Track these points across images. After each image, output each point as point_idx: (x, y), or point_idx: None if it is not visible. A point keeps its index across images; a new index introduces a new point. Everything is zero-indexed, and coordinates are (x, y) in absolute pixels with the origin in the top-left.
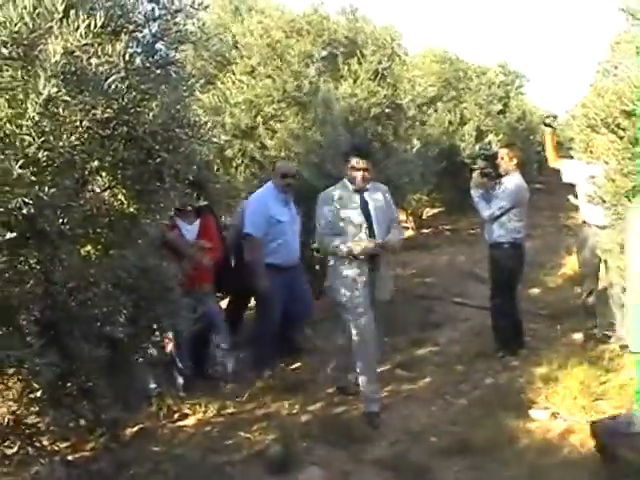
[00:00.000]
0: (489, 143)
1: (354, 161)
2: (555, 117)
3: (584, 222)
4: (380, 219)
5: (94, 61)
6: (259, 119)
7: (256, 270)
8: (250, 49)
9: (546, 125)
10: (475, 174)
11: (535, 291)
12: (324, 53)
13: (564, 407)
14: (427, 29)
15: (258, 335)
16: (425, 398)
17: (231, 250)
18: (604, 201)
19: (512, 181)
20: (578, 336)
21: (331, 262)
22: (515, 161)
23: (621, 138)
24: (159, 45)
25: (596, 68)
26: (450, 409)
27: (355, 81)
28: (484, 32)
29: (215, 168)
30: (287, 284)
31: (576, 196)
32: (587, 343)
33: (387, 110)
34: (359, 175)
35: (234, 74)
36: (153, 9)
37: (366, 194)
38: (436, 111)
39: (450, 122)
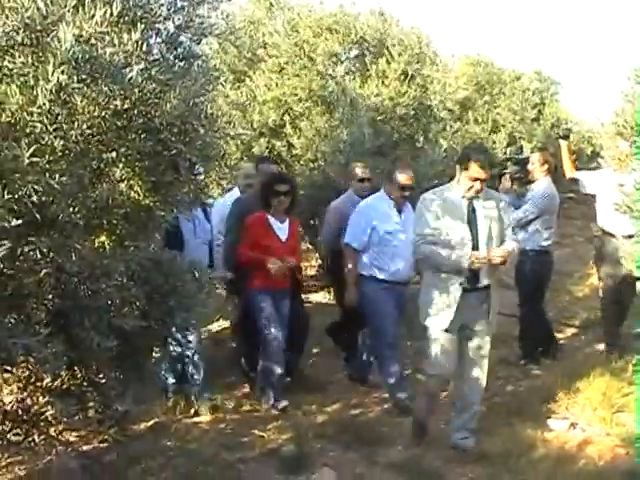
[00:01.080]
0: (520, 148)
1: (475, 169)
2: (570, 130)
3: (604, 232)
4: (490, 232)
5: (109, 50)
6: (286, 117)
7: (347, 282)
8: (278, 47)
9: (562, 137)
10: (504, 178)
11: (562, 300)
12: (353, 53)
13: (584, 418)
14: (461, 35)
15: (376, 357)
16: (443, 403)
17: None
18: (632, 210)
19: (541, 187)
20: (602, 347)
21: (427, 278)
22: (546, 167)
23: None
24: (182, 37)
25: (627, 74)
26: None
27: (383, 81)
28: (518, 38)
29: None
30: (396, 301)
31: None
32: (611, 354)
33: (415, 111)
34: (476, 185)
35: (263, 72)
36: (175, 1)
37: (476, 202)
38: (468, 122)
39: (482, 130)
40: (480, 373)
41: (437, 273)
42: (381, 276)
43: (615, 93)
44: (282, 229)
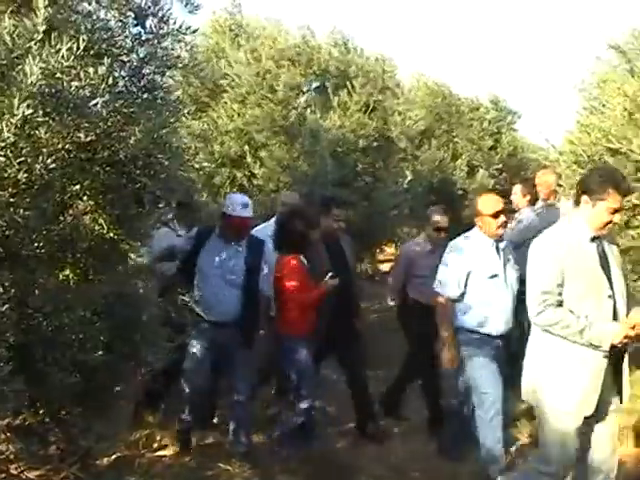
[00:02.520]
0: (505, 179)
1: (617, 198)
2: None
3: None
4: (620, 284)
5: (75, 84)
6: (248, 148)
7: (444, 340)
8: (241, 77)
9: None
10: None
11: None
12: (315, 84)
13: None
14: (419, 55)
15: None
16: (405, 432)
17: None
18: None
19: (524, 217)
20: None
21: (549, 341)
22: (529, 197)
23: None
24: (146, 70)
25: (583, 105)
26: (432, 444)
27: (345, 113)
28: (477, 62)
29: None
30: (495, 358)
31: None
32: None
33: (376, 143)
34: (615, 218)
35: (225, 102)
36: (140, 33)
37: (605, 244)
38: (430, 147)
39: (442, 157)
40: (611, 455)
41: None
42: (483, 330)
43: (571, 123)
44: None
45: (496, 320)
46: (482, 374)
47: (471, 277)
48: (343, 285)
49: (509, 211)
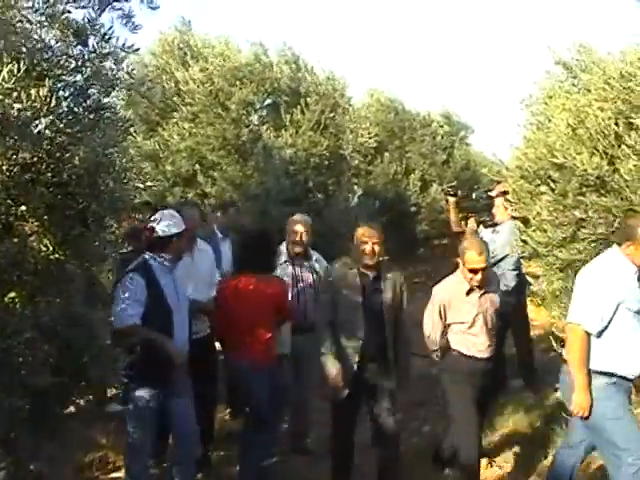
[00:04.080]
0: (486, 191)
1: None
2: (457, 187)
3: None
4: None
5: (17, 106)
6: (199, 167)
7: (578, 382)
8: (192, 96)
9: (450, 195)
10: (470, 221)
11: None
12: (267, 102)
13: (501, 455)
14: (371, 70)
15: None
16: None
17: None
18: (537, 252)
19: (507, 229)
20: (518, 383)
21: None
22: (509, 210)
23: (553, 190)
24: (90, 90)
25: (529, 120)
26: None
27: (297, 131)
28: (430, 76)
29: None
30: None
31: None
32: (526, 390)
33: (328, 161)
34: None
35: (176, 122)
36: (82, 52)
37: None
38: (382, 162)
39: (395, 172)
40: None
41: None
42: (620, 372)
43: (519, 138)
44: None
45: (635, 360)
46: (621, 425)
47: (618, 311)
48: None
49: (491, 224)
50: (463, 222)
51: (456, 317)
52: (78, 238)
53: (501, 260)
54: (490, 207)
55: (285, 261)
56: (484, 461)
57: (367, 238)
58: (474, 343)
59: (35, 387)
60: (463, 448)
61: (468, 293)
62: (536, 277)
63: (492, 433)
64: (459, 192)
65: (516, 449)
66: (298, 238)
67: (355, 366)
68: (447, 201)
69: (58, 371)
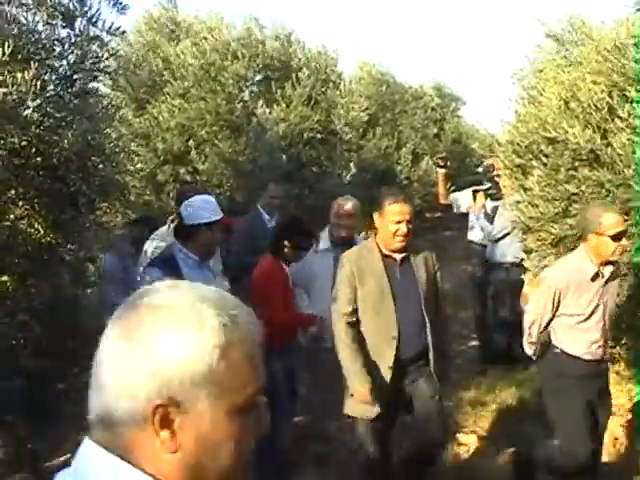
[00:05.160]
0: (492, 165)
1: None
2: (447, 159)
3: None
4: None
5: (2, 90)
6: (191, 143)
7: None
8: (184, 70)
9: (439, 166)
10: (478, 195)
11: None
12: (259, 77)
13: (492, 430)
14: (362, 42)
15: None
16: None
17: None
18: (528, 227)
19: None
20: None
21: None
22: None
23: (544, 165)
24: (77, 74)
25: (520, 94)
26: None
27: (288, 105)
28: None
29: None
30: None
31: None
32: (516, 365)
33: (320, 135)
34: None
35: (166, 98)
36: (69, 35)
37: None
38: (374, 135)
39: (387, 146)
40: None
41: None
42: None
43: (510, 112)
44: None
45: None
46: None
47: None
48: None
49: (497, 197)
50: (472, 197)
51: (570, 307)
52: (69, 221)
53: (507, 235)
54: (495, 180)
55: (326, 248)
56: (475, 437)
57: (401, 216)
58: (584, 340)
59: (29, 369)
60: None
61: (594, 279)
62: (528, 252)
63: (483, 409)
64: (449, 163)
65: (507, 425)
66: (343, 222)
67: (389, 373)
68: (436, 172)
69: (49, 354)
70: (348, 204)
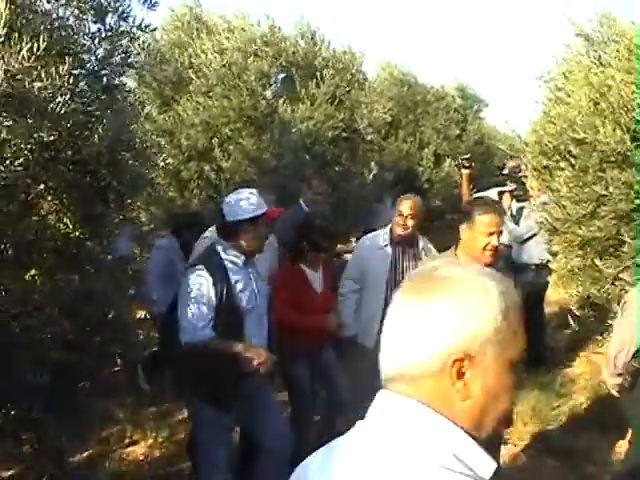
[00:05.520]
0: (518, 166)
1: None
2: (471, 159)
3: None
4: None
5: (37, 84)
6: (215, 140)
7: None
8: (206, 69)
9: (463, 167)
10: (505, 196)
11: None
12: (282, 75)
13: (515, 433)
14: (384, 41)
15: None
16: None
17: None
18: (555, 228)
19: (542, 203)
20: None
21: None
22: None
23: (572, 166)
24: (106, 68)
25: (547, 95)
26: None
27: (312, 104)
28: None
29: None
30: None
31: None
32: (539, 368)
33: (344, 134)
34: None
35: (191, 95)
36: (99, 30)
37: None
38: (397, 137)
39: (409, 148)
40: None
41: None
42: None
43: (536, 113)
44: (317, 278)
45: None
46: None
47: None
48: None
49: (523, 199)
50: (499, 198)
51: None
52: (98, 216)
53: (534, 235)
54: (522, 181)
55: (384, 245)
56: None
57: (493, 228)
58: None
59: (55, 364)
60: None
61: None
62: (554, 254)
63: None
64: (473, 164)
65: (532, 428)
66: (402, 221)
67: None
68: (460, 173)
69: (77, 348)
70: (404, 204)
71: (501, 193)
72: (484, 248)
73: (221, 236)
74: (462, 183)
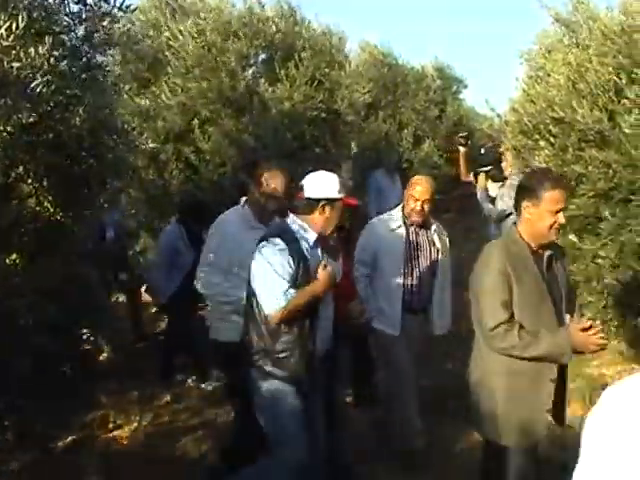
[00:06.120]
0: (493, 147)
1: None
2: (468, 137)
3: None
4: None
5: (16, 65)
6: (194, 122)
7: None
8: (185, 51)
9: (460, 144)
10: (480, 176)
11: None
12: (262, 56)
13: None
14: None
15: None
16: None
17: None
18: None
19: (516, 183)
20: None
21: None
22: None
23: (552, 145)
24: (85, 48)
25: (528, 74)
26: None
27: (292, 85)
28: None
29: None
30: None
31: None
32: None
33: (324, 115)
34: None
35: (168, 77)
36: (80, 10)
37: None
38: (376, 118)
39: (389, 129)
40: None
41: None
42: None
43: (516, 92)
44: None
45: None
46: None
47: None
48: None
49: (500, 178)
50: (474, 179)
51: None
52: (79, 199)
53: (510, 214)
54: (498, 161)
55: (398, 226)
56: None
57: (562, 204)
58: None
59: (37, 348)
60: None
61: None
62: None
63: None
64: (469, 142)
65: None
66: (419, 207)
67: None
68: (458, 150)
69: (59, 332)
70: (424, 187)
71: (476, 174)
72: (551, 226)
73: (295, 212)
74: (460, 160)
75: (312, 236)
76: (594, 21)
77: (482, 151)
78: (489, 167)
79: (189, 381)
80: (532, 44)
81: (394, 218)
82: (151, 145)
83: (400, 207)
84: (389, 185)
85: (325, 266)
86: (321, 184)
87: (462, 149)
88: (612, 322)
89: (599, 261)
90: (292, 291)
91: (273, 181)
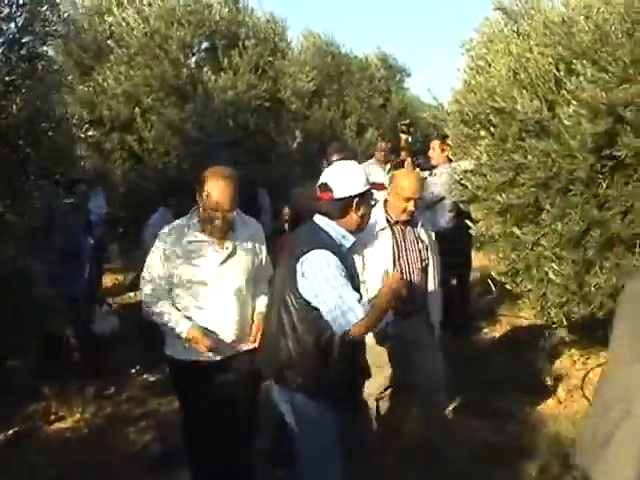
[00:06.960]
0: (420, 136)
1: None
2: (410, 125)
3: None
4: None
5: None
6: (137, 110)
7: None
8: (128, 38)
9: (402, 132)
10: (407, 164)
11: None
12: (205, 44)
13: None
14: (307, 8)
15: None
16: None
17: None
18: (476, 196)
19: (445, 172)
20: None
21: None
22: (446, 153)
23: (492, 135)
24: (25, 38)
25: (469, 64)
26: None
27: (235, 73)
28: (367, 18)
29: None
30: None
31: None
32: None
33: (268, 104)
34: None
35: (111, 65)
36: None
37: None
38: (320, 106)
39: (332, 117)
40: None
41: None
42: None
43: (459, 82)
44: None
45: None
46: None
47: None
48: None
49: (427, 167)
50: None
51: None
52: (17, 189)
53: (438, 202)
54: (425, 150)
55: (383, 228)
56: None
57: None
58: None
59: None
60: None
61: None
62: (476, 221)
63: None
64: (411, 129)
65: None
66: (410, 207)
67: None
68: (400, 138)
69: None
70: (414, 184)
71: (403, 161)
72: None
73: (327, 215)
74: (402, 148)
75: (350, 240)
76: (536, 11)
77: (409, 139)
78: (416, 156)
79: (132, 371)
80: (474, 32)
81: (377, 219)
82: (90, 134)
83: (381, 205)
84: None
85: (389, 274)
86: (349, 179)
87: (403, 136)
88: (552, 310)
89: (539, 249)
90: (365, 300)
91: (216, 193)
